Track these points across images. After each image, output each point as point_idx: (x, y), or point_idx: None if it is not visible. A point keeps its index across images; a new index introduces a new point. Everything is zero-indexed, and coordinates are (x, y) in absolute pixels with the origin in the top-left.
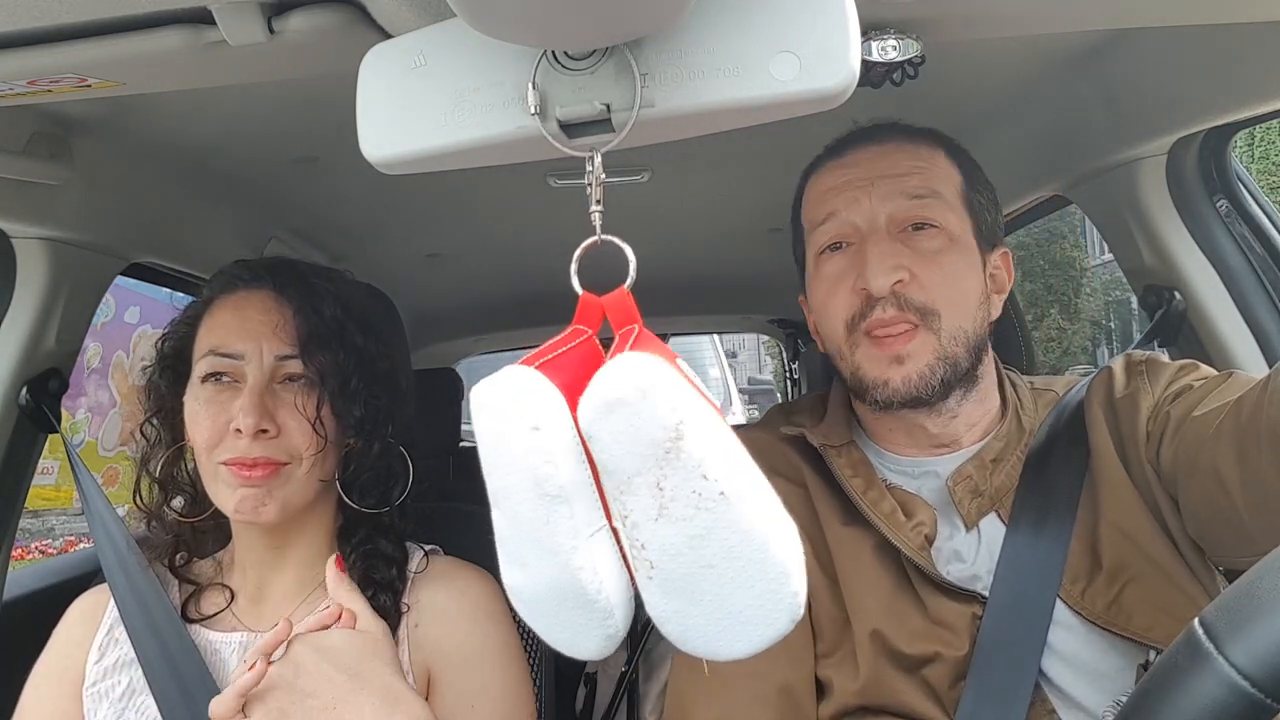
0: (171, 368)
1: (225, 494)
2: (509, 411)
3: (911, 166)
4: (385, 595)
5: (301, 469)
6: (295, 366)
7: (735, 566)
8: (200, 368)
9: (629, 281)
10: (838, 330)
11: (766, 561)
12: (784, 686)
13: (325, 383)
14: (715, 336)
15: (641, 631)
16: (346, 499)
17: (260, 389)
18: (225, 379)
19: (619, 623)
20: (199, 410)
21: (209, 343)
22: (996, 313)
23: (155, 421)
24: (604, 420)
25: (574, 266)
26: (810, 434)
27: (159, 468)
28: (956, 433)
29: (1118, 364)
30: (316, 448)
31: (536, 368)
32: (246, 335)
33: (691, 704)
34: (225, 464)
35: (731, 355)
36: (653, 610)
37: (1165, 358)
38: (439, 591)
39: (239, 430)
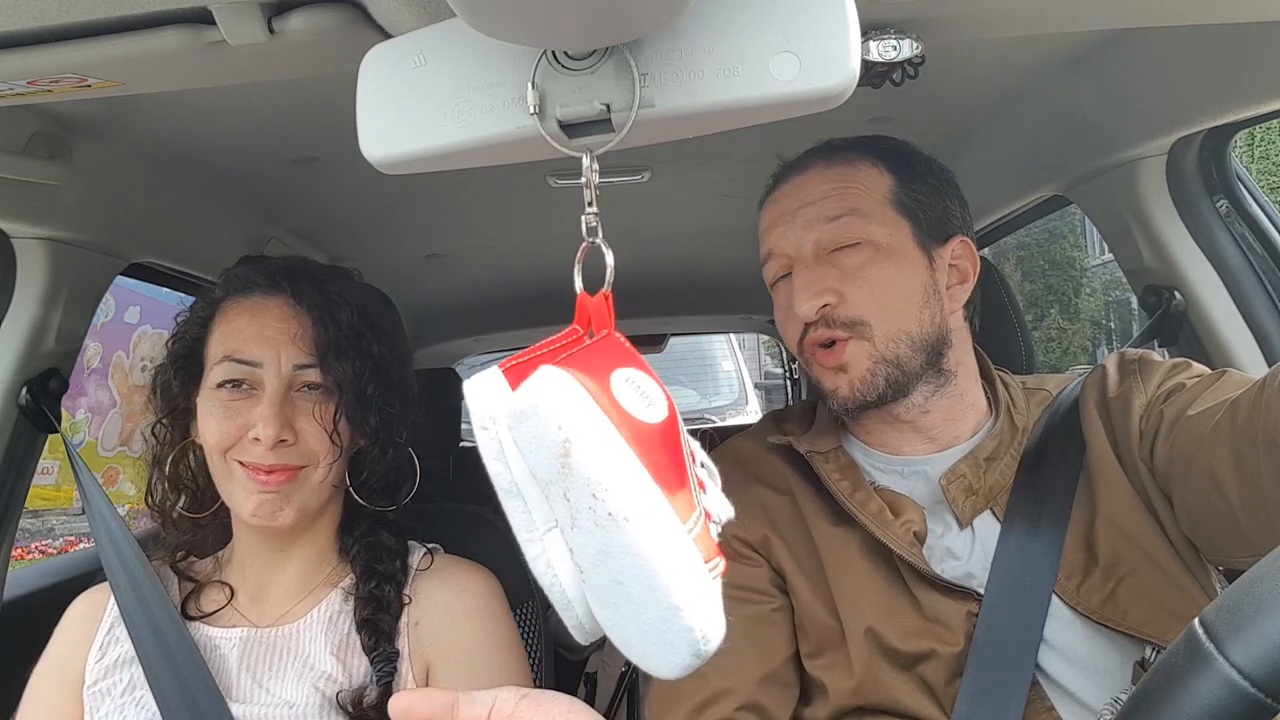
0: (183, 368)
1: (241, 498)
2: (471, 410)
3: (827, 190)
4: (388, 586)
5: (317, 474)
6: (313, 376)
7: (637, 588)
8: (216, 373)
9: (607, 285)
10: (795, 350)
11: (657, 589)
12: (750, 702)
13: (343, 392)
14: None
15: None
16: (359, 499)
17: (279, 398)
18: (243, 385)
19: (581, 616)
20: (213, 414)
21: (225, 348)
22: (957, 305)
23: (166, 422)
24: (514, 429)
25: (577, 269)
26: (797, 442)
27: (168, 466)
28: (934, 426)
29: (1111, 362)
30: (333, 456)
31: (509, 368)
32: (264, 343)
33: (666, 708)
34: (244, 465)
35: None
36: (594, 614)
37: (1159, 356)
38: (440, 588)
39: (257, 439)
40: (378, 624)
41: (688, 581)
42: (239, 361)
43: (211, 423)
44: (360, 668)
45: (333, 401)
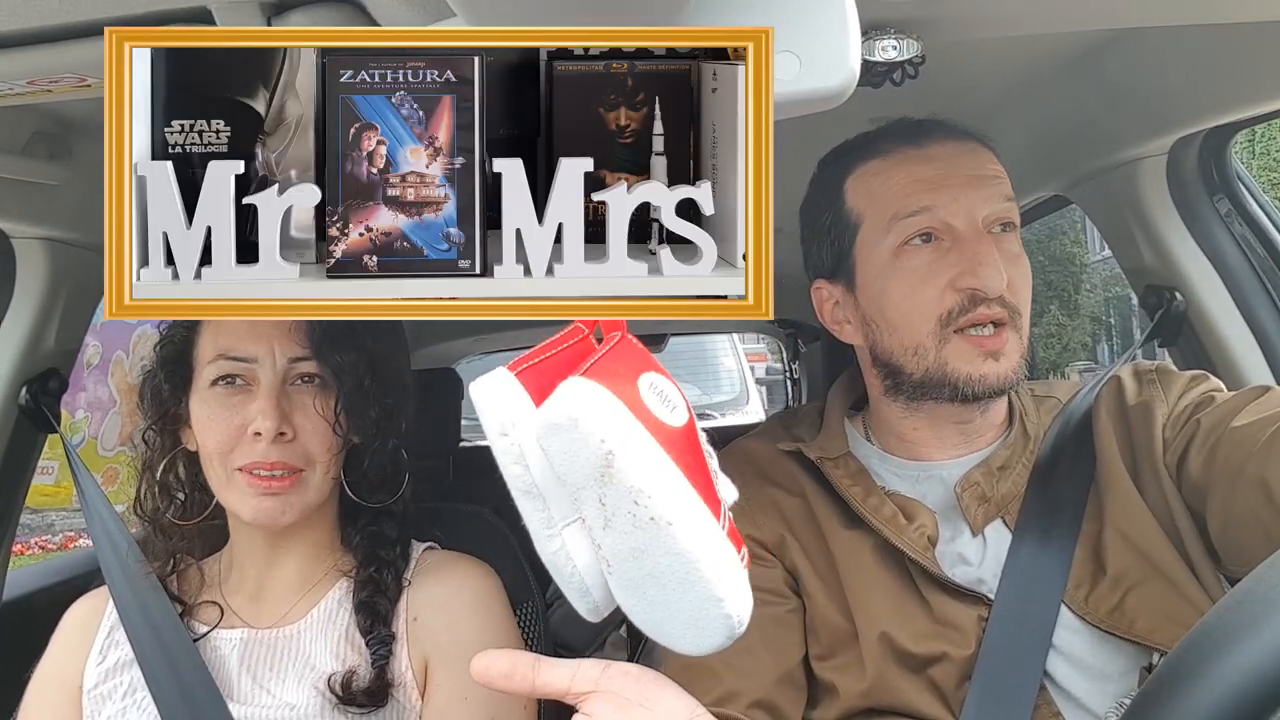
0: (173, 373)
1: (241, 503)
2: (485, 414)
3: (996, 171)
4: (387, 571)
5: (318, 474)
6: (309, 367)
7: (673, 581)
8: (209, 372)
9: None
10: (924, 326)
11: (696, 583)
12: (764, 701)
13: (342, 383)
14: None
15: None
16: (355, 497)
17: (276, 391)
18: (237, 382)
19: (598, 599)
20: (210, 415)
21: (217, 346)
22: None
23: (155, 428)
24: (547, 440)
25: None
26: (807, 449)
27: (159, 474)
28: (976, 430)
29: (1126, 372)
30: (336, 449)
31: (521, 371)
32: (257, 337)
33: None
34: (242, 470)
35: None
36: (618, 601)
37: (1172, 365)
38: (439, 584)
39: (258, 434)
40: (374, 606)
41: (727, 576)
42: (232, 358)
43: (208, 423)
44: (357, 661)
45: (332, 393)
